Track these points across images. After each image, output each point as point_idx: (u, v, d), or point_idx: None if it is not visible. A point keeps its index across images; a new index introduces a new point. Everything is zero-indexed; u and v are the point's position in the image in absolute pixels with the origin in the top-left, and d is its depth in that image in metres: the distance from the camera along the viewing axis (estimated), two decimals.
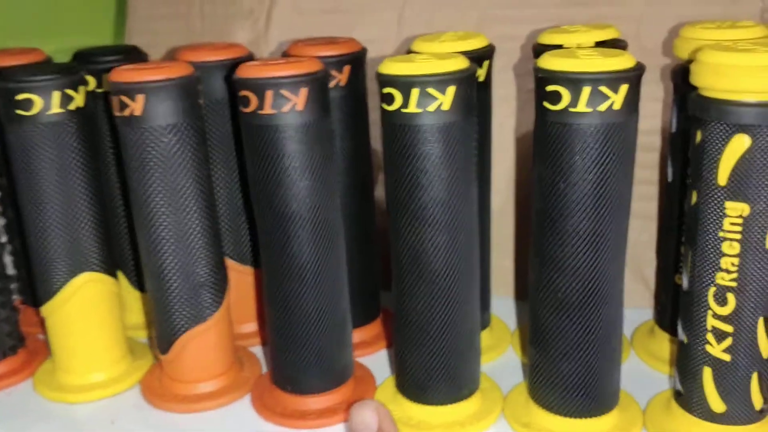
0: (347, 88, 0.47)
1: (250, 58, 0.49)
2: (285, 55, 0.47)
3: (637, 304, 0.55)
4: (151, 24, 0.66)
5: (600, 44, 0.44)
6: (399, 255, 0.42)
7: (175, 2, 0.65)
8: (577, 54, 0.37)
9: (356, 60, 0.47)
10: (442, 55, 0.40)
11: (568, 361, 0.41)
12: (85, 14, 0.69)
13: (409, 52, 0.45)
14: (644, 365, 0.49)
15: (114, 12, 0.70)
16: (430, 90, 0.37)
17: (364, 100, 0.49)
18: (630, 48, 0.49)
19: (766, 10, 0.51)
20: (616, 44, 0.45)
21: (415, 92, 0.38)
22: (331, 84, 0.46)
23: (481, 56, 0.45)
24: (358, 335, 0.51)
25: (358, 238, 0.50)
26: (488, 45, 0.46)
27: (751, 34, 0.43)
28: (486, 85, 0.46)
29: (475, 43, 0.45)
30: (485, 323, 0.51)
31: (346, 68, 0.46)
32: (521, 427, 0.43)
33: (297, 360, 0.44)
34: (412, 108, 0.38)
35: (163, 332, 0.46)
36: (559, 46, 0.44)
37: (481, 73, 0.45)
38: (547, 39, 0.45)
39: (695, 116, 0.37)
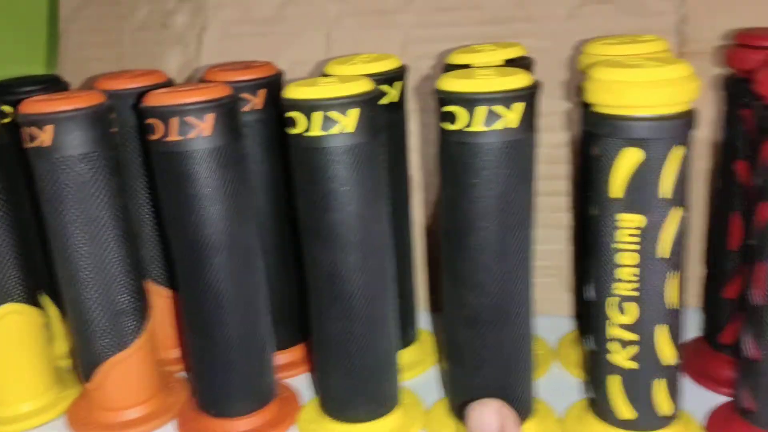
0: (263, 112, 0.47)
1: (169, 84, 0.50)
2: (201, 80, 0.48)
3: (565, 312, 0.56)
4: (84, 52, 0.66)
5: (509, 62, 0.45)
6: (312, 277, 0.42)
7: (106, 29, 0.65)
8: (474, 74, 0.38)
9: (271, 84, 0.48)
10: (345, 78, 0.40)
11: (480, 375, 0.41)
12: (15, 43, 0.69)
13: (324, 74, 0.46)
14: (567, 374, 0.50)
15: (45, 40, 0.70)
16: (332, 113, 0.38)
17: (282, 123, 0.49)
18: (546, 63, 0.50)
19: (681, 22, 0.53)
20: (523, 62, 0.46)
21: (317, 116, 0.38)
22: (247, 108, 0.47)
23: (392, 77, 0.46)
24: (285, 356, 0.52)
25: (279, 261, 0.50)
26: (400, 66, 0.47)
27: (652, 48, 0.44)
28: (400, 105, 0.47)
29: (387, 65, 0.46)
30: (411, 339, 0.52)
31: (261, 92, 0.47)
32: None
33: (218, 384, 0.44)
34: (316, 131, 0.39)
35: (86, 360, 0.46)
36: (467, 66, 0.45)
37: (394, 94, 0.46)
38: (455, 59, 0.46)
39: (590, 131, 0.38)
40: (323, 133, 0.38)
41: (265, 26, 0.61)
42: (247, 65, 0.48)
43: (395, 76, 0.46)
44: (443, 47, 0.56)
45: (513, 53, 0.46)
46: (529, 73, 0.38)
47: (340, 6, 0.59)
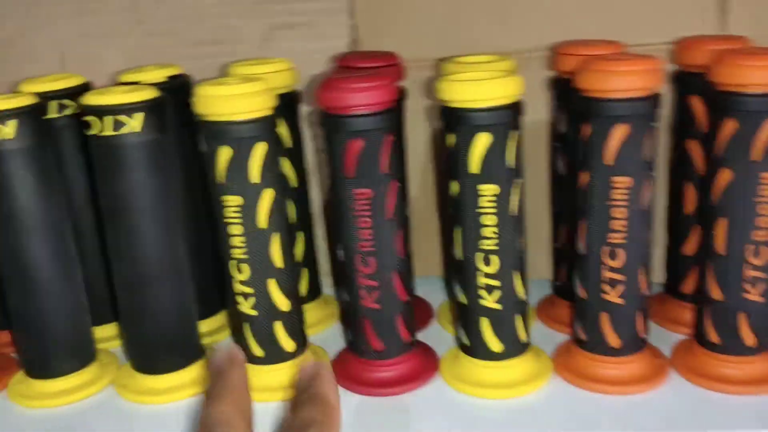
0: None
1: None
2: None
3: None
4: None
5: (171, 78, 0.55)
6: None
7: None
8: (108, 92, 0.48)
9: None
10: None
11: (145, 329, 0.52)
12: None
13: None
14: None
15: None
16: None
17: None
18: None
19: (353, 44, 0.62)
20: (180, 79, 0.56)
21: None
22: None
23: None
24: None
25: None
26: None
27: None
28: None
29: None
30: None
31: None
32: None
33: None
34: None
35: None
36: (137, 83, 0.53)
37: None
38: (125, 77, 0.54)
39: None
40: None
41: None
42: None
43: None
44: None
45: (173, 71, 0.56)
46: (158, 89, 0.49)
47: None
